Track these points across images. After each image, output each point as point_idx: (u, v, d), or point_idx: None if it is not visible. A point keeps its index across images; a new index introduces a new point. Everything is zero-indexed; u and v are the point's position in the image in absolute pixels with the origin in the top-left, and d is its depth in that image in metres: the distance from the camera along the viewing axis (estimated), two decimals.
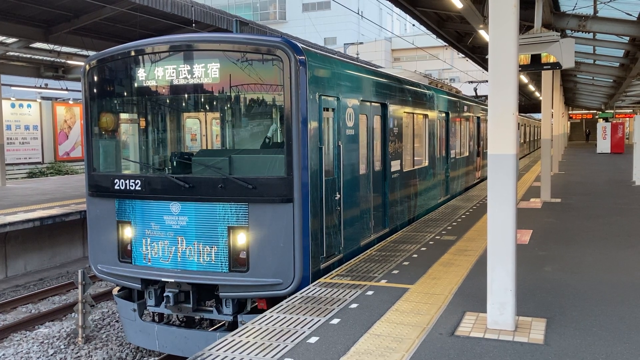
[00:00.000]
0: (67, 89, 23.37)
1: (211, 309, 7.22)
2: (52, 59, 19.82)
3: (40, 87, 24.53)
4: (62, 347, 8.65)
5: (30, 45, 17.30)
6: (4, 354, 8.43)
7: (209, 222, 6.87)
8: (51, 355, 8.38)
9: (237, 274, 6.80)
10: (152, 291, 7.37)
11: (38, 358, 8.31)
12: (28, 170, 26.32)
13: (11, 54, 18.61)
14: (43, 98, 28.18)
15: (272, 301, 6.73)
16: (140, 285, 7.35)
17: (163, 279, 7.11)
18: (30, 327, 9.63)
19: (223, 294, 6.91)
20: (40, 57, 19.54)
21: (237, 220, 6.76)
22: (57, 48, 17.82)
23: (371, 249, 8.44)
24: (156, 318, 7.74)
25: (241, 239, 6.77)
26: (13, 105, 25.82)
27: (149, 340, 7.50)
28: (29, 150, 26.73)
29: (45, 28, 15.69)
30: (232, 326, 7.01)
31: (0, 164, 19.82)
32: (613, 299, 5.91)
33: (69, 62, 19.71)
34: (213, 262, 6.88)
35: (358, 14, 29.30)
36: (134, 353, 8.39)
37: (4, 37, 16.46)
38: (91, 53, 16.03)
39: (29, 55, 19.31)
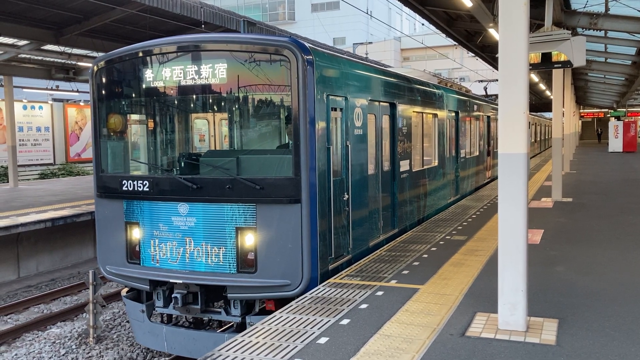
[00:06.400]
0: (78, 91, 23.50)
1: (219, 310, 7.20)
2: (62, 61, 19.91)
3: (52, 89, 24.67)
4: (74, 347, 8.69)
5: (41, 48, 17.41)
6: (16, 354, 8.48)
7: (216, 223, 6.85)
8: (63, 355, 8.42)
9: (245, 275, 6.79)
10: (161, 292, 7.37)
11: (50, 358, 8.35)
12: (40, 171, 26.52)
13: (23, 56, 18.74)
14: (54, 100, 28.39)
15: (281, 302, 6.70)
16: (148, 287, 7.35)
17: (171, 280, 7.11)
18: (42, 327, 9.69)
19: (231, 295, 6.89)
20: (51, 59, 19.65)
21: (245, 221, 6.74)
22: (68, 50, 17.89)
23: (380, 249, 8.39)
24: (165, 319, 7.75)
25: (249, 239, 6.75)
26: (25, 107, 26.04)
27: (157, 342, 7.50)
28: (41, 151, 26.93)
29: (55, 30, 15.77)
30: (241, 327, 7.00)
31: (13, 165, 19.99)
32: (626, 299, 5.83)
33: (80, 63, 19.81)
34: (221, 263, 6.87)
35: (367, 13, 29.26)
36: (145, 353, 8.41)
37: (16, 40, 16.57)
38: (101, 54, 16.09)
39: (40, 58, 19.42)
